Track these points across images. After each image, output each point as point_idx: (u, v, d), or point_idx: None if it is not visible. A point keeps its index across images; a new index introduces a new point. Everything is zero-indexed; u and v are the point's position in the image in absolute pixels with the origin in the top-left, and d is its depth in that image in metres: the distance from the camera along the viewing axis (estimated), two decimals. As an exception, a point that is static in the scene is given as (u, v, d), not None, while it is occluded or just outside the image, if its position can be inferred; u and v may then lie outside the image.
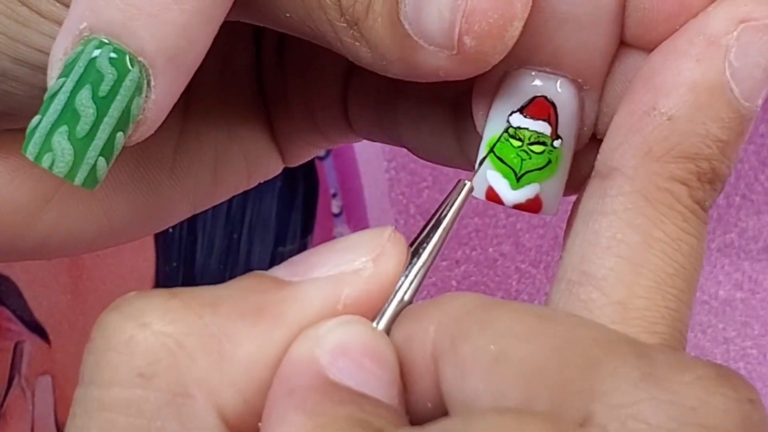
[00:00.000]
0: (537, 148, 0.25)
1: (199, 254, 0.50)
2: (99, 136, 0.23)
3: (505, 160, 0.25)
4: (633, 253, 0.22)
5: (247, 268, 0.51)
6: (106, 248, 0.30)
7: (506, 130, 0.25)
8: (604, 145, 0.24)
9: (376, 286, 0.22)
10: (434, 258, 0.24)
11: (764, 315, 0.53)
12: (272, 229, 0.51)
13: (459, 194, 0.24)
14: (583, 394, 0.19)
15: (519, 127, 0.25)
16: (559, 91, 0.25)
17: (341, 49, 0.24)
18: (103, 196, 0.28)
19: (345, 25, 0.23)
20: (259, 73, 0.31)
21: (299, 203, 0.51)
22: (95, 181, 0.23)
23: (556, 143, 0.25)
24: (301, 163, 0.33)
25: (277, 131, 0.31)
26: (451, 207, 0.24)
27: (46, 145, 0.22)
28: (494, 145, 0.25)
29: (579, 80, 0.25)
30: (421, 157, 0.30)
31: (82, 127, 0.23)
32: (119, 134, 0.23)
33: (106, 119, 0.23)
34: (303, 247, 0.51)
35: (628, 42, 0.25)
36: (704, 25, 0.23)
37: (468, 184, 0.24)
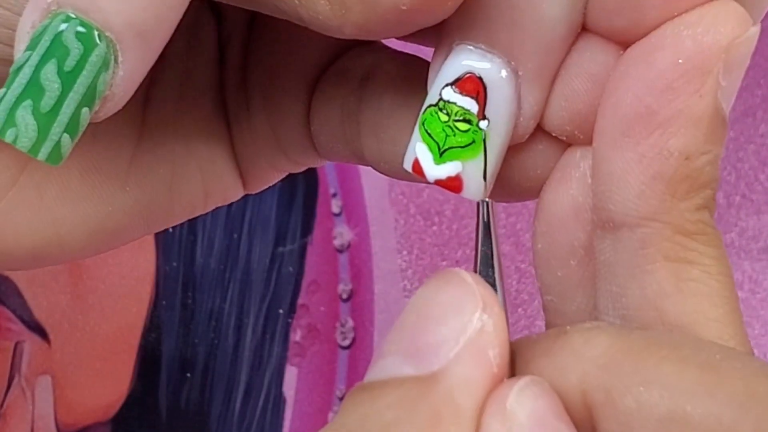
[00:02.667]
0: (462, 126, 0.25)
1: (199, 254, 0.50)
2: (64, 112, 0.22)
3: (432, 134, 0.25)
4: (701, 287, 0.23)
5: (247, 268, 0.51)
6: (54, 264, 0.29)
7: (437, 103, 0.25)
8: (614, 195, 0.23)
9: (504, 335, 0.22)
10: (503, 283, 0.24)
11: (764, 315, 0.53)
12: (272, 229, 0.51)
13: (484, 213, 0.25)
14: None
15: (448, 101, 0.25)
16: (490, 70, 0.24)
17: (299, 8, 0.23)
18: (51, 206, 0.27)
19: None
20: (221, 89, 0.30)
21: (299, 203, 0.51)
22: (59, 157, 0.22)
23: (482, 124, 0.25)
24: (261, 189, 0.32)
25: (239, 151, 0.31)
26: (487, 228, 0.24)
27: (9, 120, 0.22)
28: (423, 115, 0.25)
29: (512, 63, 0.24)
30: (383, 173, 0.29)
31: (47, 102, 0.22)
32: (85, 110, 0.22)
33: (71, 94, 0.22)
34: (303, 247, 0.51)
35: (590, 29, 0.25)
36: (699, 58, 0.23)
37: (487, 201, 0.24)
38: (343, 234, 0.52)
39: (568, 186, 0.25)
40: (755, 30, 0.23)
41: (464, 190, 0.25)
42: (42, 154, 0.22)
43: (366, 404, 0.21)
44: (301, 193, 0.52)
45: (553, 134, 0.25)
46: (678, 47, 0.23)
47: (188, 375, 0.49)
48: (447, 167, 0.25)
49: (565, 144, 0.26)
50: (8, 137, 0.22)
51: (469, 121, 0.25)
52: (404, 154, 0.25)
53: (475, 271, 0.24)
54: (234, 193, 0.31)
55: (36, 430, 0.47)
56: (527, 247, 0.53)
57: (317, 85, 0.29)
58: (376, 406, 0.21)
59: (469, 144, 0.25)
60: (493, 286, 0.24)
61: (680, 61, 0.23)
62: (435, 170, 0.25)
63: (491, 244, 0.24)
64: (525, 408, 0.21)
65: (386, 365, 0.22)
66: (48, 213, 0.27)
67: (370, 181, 0.53)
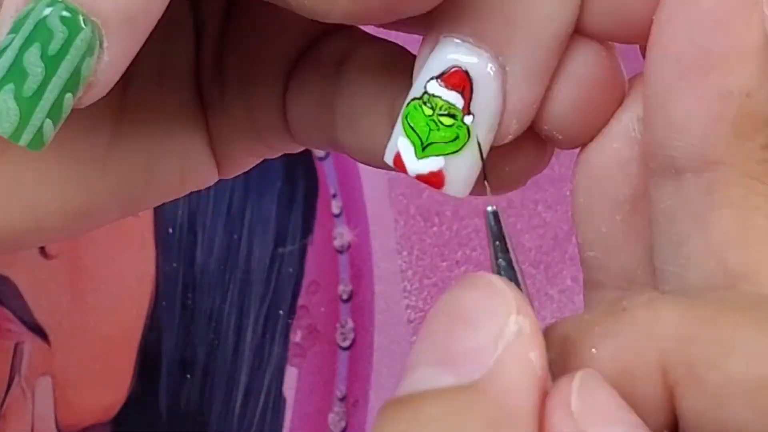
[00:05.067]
0: (446, 120, 0.24)
1: (199, 254, 0.50)
2: (46, 97, 0.22)
3: (415, 128, 0.24)
4: (766, 236, 0.22)
5: (247, 268, 0.51)
6: (29, 247, 0.28)
7: (421, 96, 0.24)
8: (675, 141, 0.23)
9: (540, 336, 0.21)
10: (525, 281, 0.23)
11: (764, 315, 0.53)
12: (272, 229, 0.51)
13: (492, 222, 0.24)
14: None
15: (433, 95, 0.24)
16: (477, 65, 0.24)
17: None
18: (28, 190, 0.27)
19: None
20: (198, 73, 0.30)
21: (299, 204, 0.51)
22: (41, 143, 0.22)
23: (467, 119, 0.24)
24: (236, 174, 0.32)
25: (215, 136, 0.30)
26: (499, 234, 0.24)
27: None
28: (407, 108, 0.24)
29: (500, 59, 0.24)
30: (359, 160, 0.29)
31: (30, 86, 0.22)
32: (68, 96, 0.22)
33: (54, 79, 0.22)
34: (303, 248, 0.51)
35: (586, 33, 0.24)
36: None
37: (493, 210, 0.24)
38: (343, 234, 0.52)
39: (611, 140, 0.25)
40: None
41: (446, 186, 0.25)
42: (23, 140, 0.22)
43: (405, 419, 0.20)
44: (301, 194, 0.52)
45: (541, 133, 0.25)
46: None
47: (188, 375, 0.49)
48: (429, 162, 0.24)
49: (541, 143, 0.25)
50: None
51: (453, 116, 0.24)
52: (385, 147, 0.25)
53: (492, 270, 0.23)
54: (210, 177, 0.31)
55: (36, 431, 0.47)
56: (527, 248, 0.53)
57: (293, 71, 0.29)
58: (419, 420, 0.20)
59: (453, 139, 0.24)
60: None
61: None
62: (417, 165, 0.25)
63: (506, 252, 0.24)
64: (590, 405, 0.20)
65: (421, 377, 0.21)
66: (25, 197, 0.27)
67: (370, 181, 0.53)
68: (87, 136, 0.27)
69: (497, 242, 0.24)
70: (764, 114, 0.22)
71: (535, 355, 0.20)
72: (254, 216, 0.51)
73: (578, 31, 0.24)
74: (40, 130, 0.22)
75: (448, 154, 0.24)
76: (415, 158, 0.25)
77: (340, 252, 0.52)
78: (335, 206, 0.52)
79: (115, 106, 0.28)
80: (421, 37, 0.25)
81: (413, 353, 0.21)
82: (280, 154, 0.32)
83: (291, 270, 0.51)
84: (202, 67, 0.30)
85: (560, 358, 0.22)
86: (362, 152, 0.28)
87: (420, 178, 0.25)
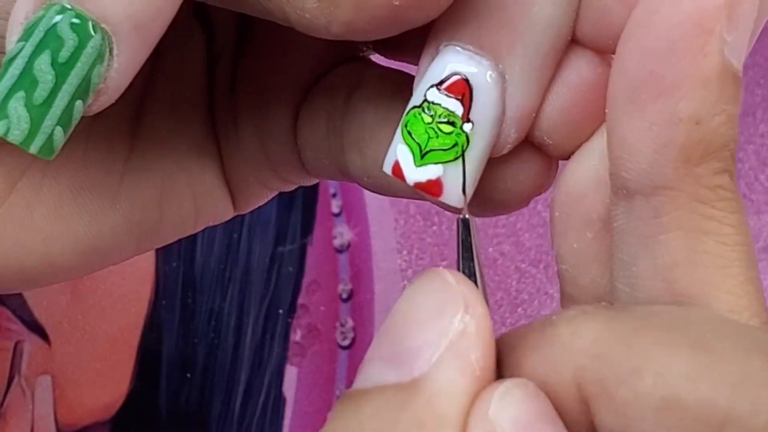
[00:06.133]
0: (446, 128, 0.24)
1: (199, 254, 0.50)
2: (57, 104, 0.22)
3: (414, 135, 0.24)
4: (715, 259, 0.22)
5: (247, 268, 0.51)
6: (43, 285, 0.28)
7: (421, 104, 0.24)
8: (626, 163, 0.23)
9: (488, 335, 0.21)
10: (485, 284, 0.24)
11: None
12: (272, 229, 0.51)
13: (462, 230, 0.24)
14: None
15: (432, 102, 0.24)
16: (477, 73, 0.24)
17: (285, 6, 0.23)
18: (41, 224, 0.27)
19: None
20: (211, 106, 0.30)
21: (299, 203, 0.51)
22: (51, 150, 0.22)
23: (466, 127, 0.24)
24: (251, 208, 0.32)
25: (229, 169, 0.30)
26: (468, 244, 0.24)
27: (1, 111, 0.21)
28: (407, 116, 0.24)
29: (500, 66, 0.24)
30: (368, 188, 0.29)
31: (40, 94, 0.22)
32: (78, 103, 0.22)
33: (65, 86, 0.22)
34: (303, 247, 0.51)
35: (580, 41, 0.24)
36: (698, 16, 0.22)
37: (466, 218, 0.24)
38: (343, 234, 0.52)
39: (590, 156, 0.25)
40: None
41: (444, 195, 0.24)
42: (34, 147, 0.22)
43: (350, 414, 0.21)
44: (300, 193, 0.52)
45: (535, 142, 0.25)
46: (676, 7, 0.22)
47: (188, 375, 0.49)
48: (428, 170, 0.24)
49: (540, 156, 0.25)
50: (0, 129, 0.22)
51: (453, 124, 0.24)
52: (384, 158, 0.25)
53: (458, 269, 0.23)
54: (225, 212, 0.31)
55: (36, 430, 0.47)
56: (527, 247, 0.53)
57: (304, 101, 0.29)
58: (359, 416, 0.20)
59: (452, 147, 0.24)
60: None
61: (679, 21, 0.22)
62: (415, 173, 0.24)
63: (471, 260, 0.24)
64: (508, 414, 0.20)
65: (370, 372, 0.21)
66: (38, 232, 0.27)
67: (370, 181, 0.53)
68: (99, 169, 0.27)
69: (465, 251, 0.24)
70: (717, 141, 0.22)
71: (476, 356, 0.21)
72: (254, 215, 0.51)
73: (572, 40, 0.24)
74: (50, 137, 0.22)
75: (446, 162, 0.24)
76: (413, 166, 0.24)
77: (340, 251, 0.52)
78: (335, 205, 0.52)
79: (127, 138, 0.28)
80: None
81: (370, 347, 0.22)
82: (294, 187, 0.32)
83: (291, 269, 0.51)
84: (215, 100, 0.30)
85: (498, 366, 0.22)
86: (371, 178, 0.28)
87: (418, 186, 0.24)
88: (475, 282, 0.23)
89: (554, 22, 0.24)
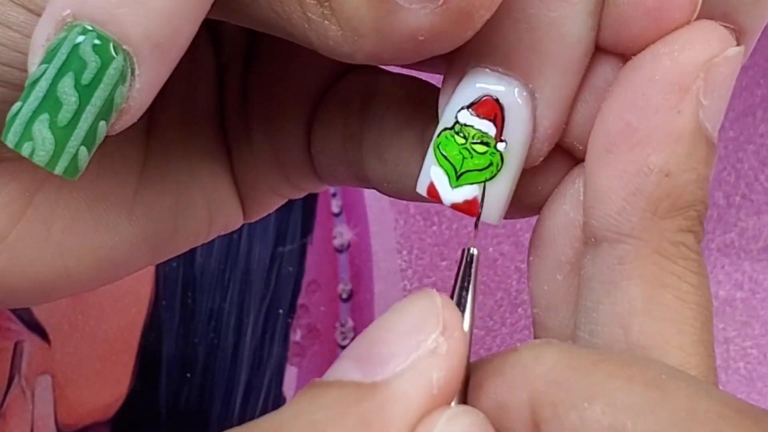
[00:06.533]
0: (479, 148, 0.24)
1: (199, 254, 0.50)
2: (81, 125, 0.22)
3: (448, 157, 0.25)
4: (671, 313, 0.23)
5: (247, 268, 0.51)
6: (63, 297, 0.29)
7: (453, 126, 0.25)
8: (596, 210, 0.24)
9: (457, 360, 0.21)
10: (473, 315, 0.24)
11: (764, 315, 0.53)
12: (272, 229, 0.51)
13: (469, 264, 0.24)
14: None
15: (465, 124, 0.24)
16: (508, 93, 0.24)
17: (308, 32, 0.23)
18: (58, 238, 0.27)
19: (314, 1, 0.22)
20: (222, 115, 0.30)
21: (299, 203, 0.51)
22: (76, 170, 0.22)
23: (500, 146, 0.24)
24: (260, 216, 0.32)
25: (240, 177, 0.31)
26: (468, 276, 0.24)
27: (26, 134, 0.22)
28: (438, 138, 0.25)
29: (530, 85, 0.24)
30: (387, 193, 0.29)
31: (64, 116, 0.22)
32: (102, 123, 0.22)
33: (88, 108, 0.22)
34: (303, 247, 0.51)
35: (604, 48, 0.24)
36: (675, 74, 0.23)
37: (473, 250, 0.25)
38: (342, 234, 0.52)
39: (563, 201, 0.26)
40: (737, 50, 0.23)
41: (482, 214, 0.25)
42: (59, 168, 0.22)
43: (305, 401, 0.21)
44: (301, 193, 0.52)
45: (568, 149, 0.26)
46: (655, 65, 0.23)
47: (188, 375, 0.49)
48: (464, 191, 0.25)
49: (569, 158, 0.26)
50: (25, 151, 0.22)
51: (486, 144, 0.24)
52: (417, 178, 0.25)
53: (452, 297, 0.24)
54: (236, 221, 0.31)
55: (36, 430, 0.47)
56: (527, 247, 0.53)
57: (317, 109, 0.29)
58: (313, 404, 0.21)
59: (487, 167, 0.25)
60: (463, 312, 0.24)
61: (657, 77, 0.23)
62: (451, 194, 0.25)
63: (466, 293, 0.24)
64: None
65: (338, 368, 0.22)
66: (55, 245, 0.27)
67: (370, 181, 0.53)
68: (114, 180, 0.27)
69: (463, 282, 0.24)
70: (686, 197, 0.23)
71: (438, 376, 0.21)
72: (254, 215, 0.51)
73: (596, 46, 0.25)
74: (75, 157, 0.22)
75: (482, 181, 0.25)
76: (449, 187, 0.25)
77: (340, 251, 0.52)
78: (335, 205, 0.52)
79: (140, 150, 0.28)
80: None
81: (348, 347, 0.22)
82: (305, 194, 0.32)
83: (291, 269, 0.51)
84: (225, 109, 0.30)
85: (465, 389, 0.23)
86: (391, 184, 0.28)
87: (455, 206, 0.25)
88: (463, 311, 0.24)
89: (582, 38, 0.24)
